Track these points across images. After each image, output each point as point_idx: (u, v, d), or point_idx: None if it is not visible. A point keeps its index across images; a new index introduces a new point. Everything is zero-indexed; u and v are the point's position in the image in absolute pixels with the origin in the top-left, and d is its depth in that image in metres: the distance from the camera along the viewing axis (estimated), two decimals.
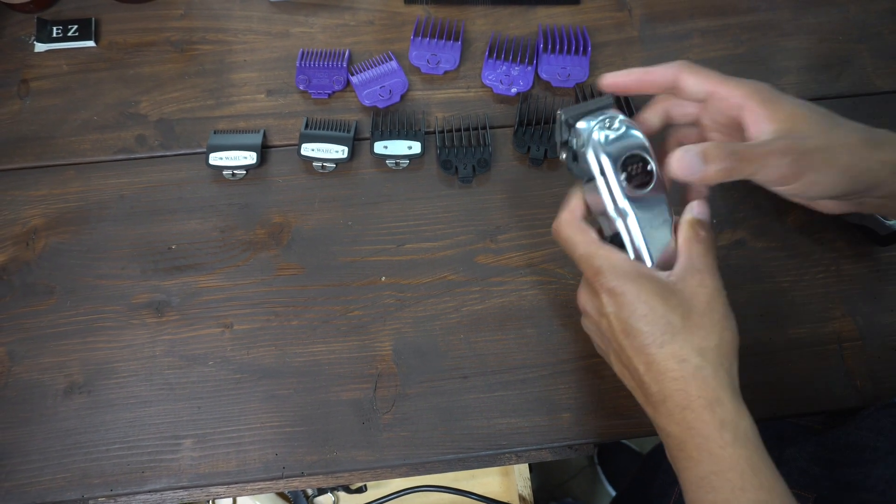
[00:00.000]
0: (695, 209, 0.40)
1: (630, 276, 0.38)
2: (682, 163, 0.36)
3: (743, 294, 0.52)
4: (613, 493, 1.20)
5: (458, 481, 0.54)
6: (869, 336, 0.51)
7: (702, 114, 0.41)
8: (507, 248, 0.54)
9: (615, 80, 0.41)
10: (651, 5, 0.62)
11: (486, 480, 0.66)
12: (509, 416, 0.49)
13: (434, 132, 0.57)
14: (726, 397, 0.36)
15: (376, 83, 0.58)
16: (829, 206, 0.42)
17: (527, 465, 0.58)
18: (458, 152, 0.55)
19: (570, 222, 0.41)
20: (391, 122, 0.57)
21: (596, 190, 0.40)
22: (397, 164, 0.55)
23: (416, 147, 0.55)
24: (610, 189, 0.39)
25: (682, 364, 0.36)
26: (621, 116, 0.40)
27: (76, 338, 0.51)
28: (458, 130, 0.57)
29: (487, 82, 0.58)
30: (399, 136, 0.56)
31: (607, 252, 0.39)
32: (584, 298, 0.42)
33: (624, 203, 0.39)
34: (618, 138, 0.39)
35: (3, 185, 0.55)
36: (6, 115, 0.58)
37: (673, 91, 0.40)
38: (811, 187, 0.36)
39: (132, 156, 0.57)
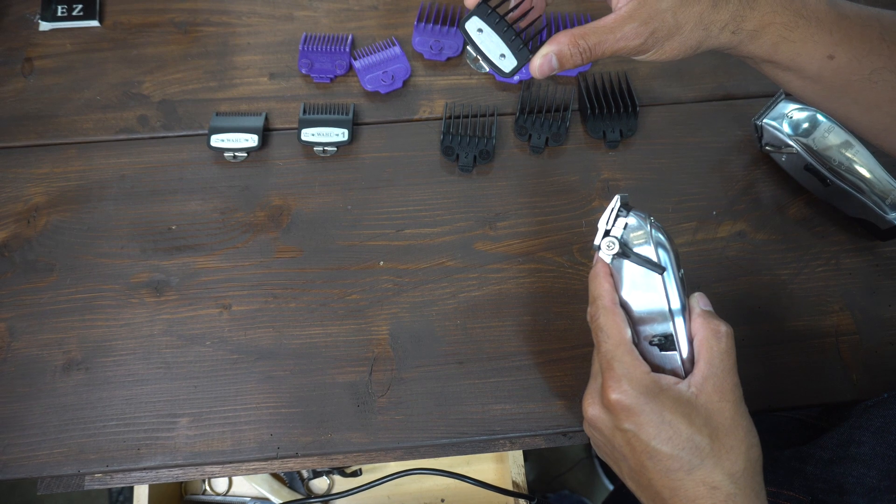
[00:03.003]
0: (700, 301, 0.39)
1: (651, 392, 0.36)
2: (542, 67, 0.38)
3: (742, 286, 0.52)
4: (610, 486, 1.21)
5: (453, 467, 0.55)
6: (866, 330, 0.51)
7: None
8: (505, 235, 0.54)
9: (542, 65, 0.39)
10: None
11: (480, 467, 0.66)
12: (504, 402, 0.49)
13: (441, 118, 0.57)
14: None
15: (379, 68, 0.58)
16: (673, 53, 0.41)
17: (521, 451, 0.59)
18: (462, 140, 0.55)
19: (611, 311, 0.39)
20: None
21: (645, 287, 0.39)
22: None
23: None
24: (672, 286, 0.38)
25: (713, 492, 0.35)
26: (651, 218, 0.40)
27: (75, 315, 0.51)
28: (465, 117, 0.56)
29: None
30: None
31: (632, 360, 0.37)
32: (594, 407, 0.39)
33: (680, 301, 0.38)
34: (668, 238, 0.39)
35: (6, 163, 0.56)
36: (10, 93, 0.58)
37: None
38: (661, 54, 0.38)
39: (134, 136, 0.57)
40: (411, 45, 0.59)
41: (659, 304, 0.38)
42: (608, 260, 0.40)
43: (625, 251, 0.39)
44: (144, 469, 0.48)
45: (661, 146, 0.57)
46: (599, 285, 0.40)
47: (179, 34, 0.60)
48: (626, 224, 0.39)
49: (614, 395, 0.36)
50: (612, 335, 0.38)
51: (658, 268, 0.38)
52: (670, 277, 0.38)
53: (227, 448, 0.48)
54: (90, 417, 0.48)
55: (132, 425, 0.48)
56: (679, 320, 0.38)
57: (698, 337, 0.38)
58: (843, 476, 0.44)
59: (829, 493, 0.43)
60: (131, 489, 1.10)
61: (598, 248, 0.40)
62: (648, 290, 0.39)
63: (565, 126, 0.56)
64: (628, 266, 0.39)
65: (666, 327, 0.38)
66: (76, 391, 0.49)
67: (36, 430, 0.48)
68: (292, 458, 0.49)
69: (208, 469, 0.51)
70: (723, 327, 0.38)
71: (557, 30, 0.59)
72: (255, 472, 0.52)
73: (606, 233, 0.40)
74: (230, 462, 0.48)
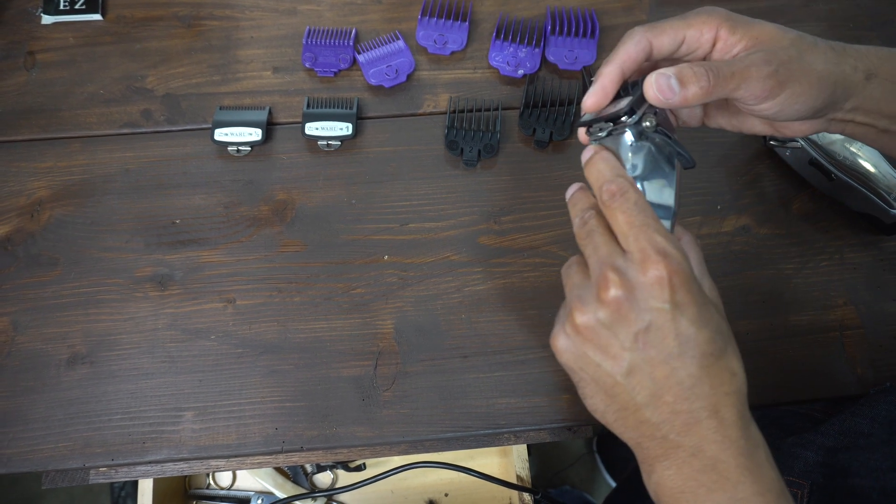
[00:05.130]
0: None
1: (694, 278, 0.34)
2: (659, 86, 0.34)
3: (746, 280, 0.52)
4: (611, 482, 1.21)
5: (457, 461, 0.55)
6: (870, 324, 0.51)
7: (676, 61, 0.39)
8: (510, 229, 0.54)
9: (596, 99, 0.37)
10: None
11: (484, 461, 0.66)
12: (508, 397, 0.49)
13: (445, 113, 0.57)
14: (751, 417, 0.35)
15: (383, 62, 0.58)
16: (800, 128, 0.40)
17: (525, 446, 0.59)
18: (466, 135, 0.55)
19: (635, 186, 0.35)
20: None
21: (652, 183, 0.36)
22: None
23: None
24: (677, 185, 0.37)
25: (733, 378, 0.34)
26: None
27: (79, 309, 0.51)
28: (470, 111, 0.56)
29: (494, 63, 0.58)
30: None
31: (671, 236, 0.34)
32: (618, 291, 0.33)
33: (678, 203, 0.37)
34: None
35: (9, 157, 0.56)
36: (12, 87, 0.58)
37: (648, 60, 0.38)
38: (793, 100, 0.36)
39: (138, 130, 0.57)
40: (415, 39, 0.59)
41: (666, 201, 0.36)
42: (631, 139, 0.36)
43: (657, 132, 0.35)
44: (150, 463, 0.48)
45: None
46: (611, 167, 0.36)
47: (183, 28, 0.60)
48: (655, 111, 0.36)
49: (669, 269, 0.33)
50: (650, 212, 0.34)
51: (689, 160, 0.36)
52: (680, 174, 0.37)
53: (232, 442, 0.48)
54: (95, 411, 0.48)
55: (137, 419, 0.48)
56: (676, 221, 0.37)
57: (683, 241, 0.37)
58: (848, 461, 0.44)
59: (833, 477, 0.44)
60: (134, 484, 1.10)
61: (625, 121, 0.36)
62: (656, 187, 0.36)
63: (570, 120, 0.56)
64: (640, 155, 0.36)
65: (666, 226, 0.36)
66: (81, 385, 0.49)
67: (41, 423, 0.48)
68: (297, 452, 0.49)
69: (213, 463, 0.51)
70: (692, 238, 0.38)
71: (561, 26, 0.59)
72: (260, 465, 0.52)
73: (626, 114, 0.35)
74: (235, 456, 0.48)
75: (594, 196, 0.37)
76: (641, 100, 0.36)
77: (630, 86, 0.37)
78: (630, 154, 0.36)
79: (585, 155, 0.38)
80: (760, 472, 0.33)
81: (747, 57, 0.35)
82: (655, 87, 0.34)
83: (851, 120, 0.40)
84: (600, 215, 0.36)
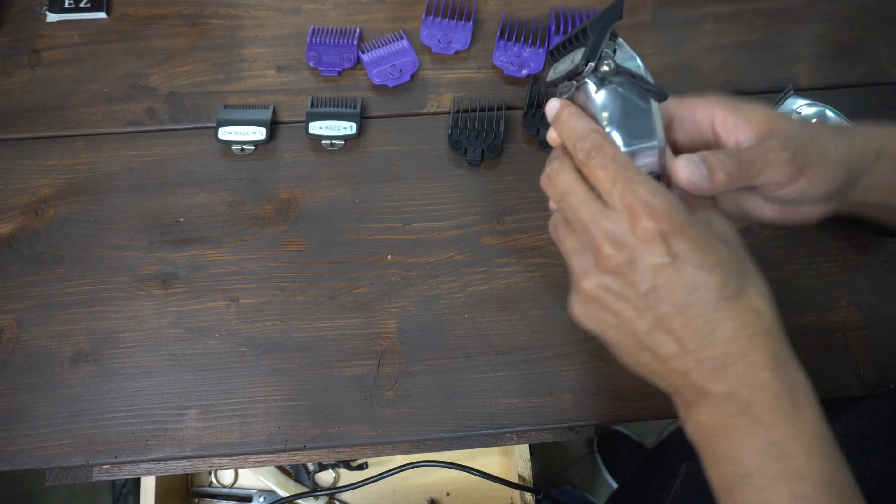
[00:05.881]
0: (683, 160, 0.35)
1: (688, 214, 0.32)
2: (688, 173, 0.34)
3: None
4: (612, 483, 1.21)
5: (459, 460, 0.55)
6: (874, 326, 0.51)
7: (671, 136, 0.39)
8: (513, 229, 0.54)
9: (690, 169, 0.35)
10: None
11: (486, 461, 0.67)
12: (511, 396, 0.49)
13: (448, 112, 0.57)
14: (792, 352, 0.33)
15: (387, 61, 0.58)
16: (812, 212, 0.40)
17: (527, 445, 0.59)
18: (470, 134, 0.55)
19: (610, 141, 0.34)
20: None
21: (629, 121, 0.35)
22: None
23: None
24: (658, 116, 0.36)
25: (758, 318, 0.32)
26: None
27: (83, 307, 0.51)
28: (473, 111, 0.56)
29: (498, 63, 0.58)
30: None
31: (657, 185, 0.33)
32: (621, 248, 0.33)
33: (663, 135, 0.36)
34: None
35: (13, 154, 0.56)
36: (17, 85, 0.58)
37: None
38: (814, 183, 0.36)
39: (142, 128, 0.57)
40: (419, 39, 0.59)
41: (649, 140, 0.35)
42: (595, 88, 0.35)
43: (618, 73, 0.35)
44: (153, 461, 0.48)
45: None
46: (581, 123, 0.35)
47: (187, 27, 0.60)
48: (615, 48, 0.35)
49: (658, 223, 0.32)
50: (630, 163, 0.33)
51: (660, 94, 0.35)
52: (657, 106, 0.36)
53: (235, 440, 0.48)
54: (99, 409, 0.49)
55: (141, 417, 0.48)
56: (665, 153, 0.36)
57: (679, 175, 0.35)
58: (853, 465, 0.44)
59: None
60: (135, 482, 1.10)
61: (584, 71, 0.35)
62: (635, 128, 0.35)
63: None
64: (609, 101, 0.35)
65: (654, 164, 0.36)
66: (84, 383, 0.49)
67: (44, 421, 0.48)
68: (300, 451, 0.49)
69: (216, 461, 0.51)
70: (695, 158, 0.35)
71: (565, 26, 0.59)
72: (263, 464, 0.52)
73: (583, 65, 0.35)
74: (238, 454, 0.48)
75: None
76: (595, 47, 0.35)
77: (580, 34, 0.37)
78: (598, 103, 0.36)
79: (550, 108, 0.37)
80: (797, 413, 0.32)
81: (764, 144, 0.36)
82: (687, 173, 0.34)
83: (864, 201, 0.40)
84: (566, 166, 0.36)
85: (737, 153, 0.35)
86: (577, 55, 0.36)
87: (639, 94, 0.36)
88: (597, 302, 0.35)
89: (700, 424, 0.34)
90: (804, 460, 0.31)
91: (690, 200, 0.36)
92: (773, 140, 0.36)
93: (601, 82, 0.36)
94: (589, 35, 0.35)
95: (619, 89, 0.36)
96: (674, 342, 0.33)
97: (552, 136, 0.38)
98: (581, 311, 0.37)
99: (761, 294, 0.33)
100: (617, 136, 0.35)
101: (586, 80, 0.36)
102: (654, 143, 0.35)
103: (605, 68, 0.35)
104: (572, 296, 0.37)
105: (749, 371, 0.32)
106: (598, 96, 0.36)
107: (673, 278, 0.32)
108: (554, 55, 0.39)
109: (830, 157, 0.36)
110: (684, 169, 0.34)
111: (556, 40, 0.58)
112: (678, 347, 0.33)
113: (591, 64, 0.35)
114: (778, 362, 0.32)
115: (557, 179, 0.36)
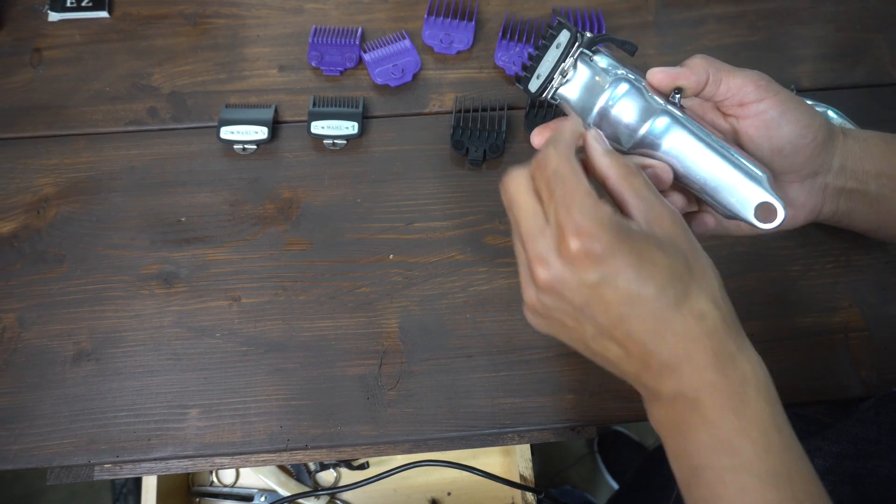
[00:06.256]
0: (595, 135, 0.35)
1: (622, 231, 0.32)
2: (663, 70, 0.37)
3: (751, 282, 0.52)
4: (613, 483, 1.21)
5: (460, 460, 0.55)
6: (875, 327, 0.51)
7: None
8: None
9: (664, 75, 0.38)
10: None
11: (487, 460, 0.67)
12: (513, 396, 0.49)
13: (450, 112, 0.57)
14: (745, 346, 0.33)
15: (389, 61, 0.58)
16: (793, 217, 0.42)
17: (528, 445, 0.59)
18: (472, 134, 0.55)
19: (567, 153, 0.33)
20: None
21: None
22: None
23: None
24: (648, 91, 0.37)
25: (701, 322, 0.32)
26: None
27: (85, 306, 0.51)
28: (475, 111, 0.56)
29: (500, 63, 0.58)
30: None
31: (595, 202, 0.32)
32: (551, 268, 0.33)
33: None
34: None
35: (15, 154, 0.56)
36: (19, 84, 0.58)
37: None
38: (797, 124, 0.38)
39: (143, 127, 0.57)
40: (421, 39, 0.59)
41: (643, 115, 0.37)
42: (579, 71, 0.37)
43: (592, 45, 0.37)
44: (155, 460, 0.48)
45: None
46: (560, 126, 0.35)
47: (189, 26, 0.60)
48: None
49: (584, 243, 0.31)
50: (569, 179, 0.32)
51: (632, 46, 0.38)
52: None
53: (236, 439, 0.48)
54: (100, 408, 0.49)
55: (142, 416, 0.48)
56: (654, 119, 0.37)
57: (609, 174, 0.34)
58: (856, 469, 0.44)
59: (840, 484, 0.44)
60: (134, 481, 1.10)
61: (567, 63, 0.37)
62: (627, 107, 0.37)
63: None
64: (594, 84, 0.37)
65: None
66: (86, 382, 0.49)
67: (46, 420, 0.48)
68: (301, 451, 0.49)
69: (218, 460, 0.51)
70: (633, 159, 0.36)
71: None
72: (265, 463, 0.52)
73: (563, 58, 0.37)
74: (240, 453, 0.48)
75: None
76: (572, 41, 0.37)
77: (543, 38, 0.38)
78: (585, 89, 0.37)
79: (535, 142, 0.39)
80: (744, 409, 0.32)
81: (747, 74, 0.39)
82: (661, 70, 0.37)
83: (843, 187, 0.41)
84: (521, 175, 0.35)
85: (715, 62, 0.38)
86: (552, 51, 0.38)
87: (620, 73, 0.37)
88: (539, 313, 0.35)
89: (658, 419, 0.35)
90: (751, 454, 0.31)
91: (641, 192, 0.34)
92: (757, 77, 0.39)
93: (577, 60, 0.37)
94: (557, 24, 0.37)
95: (598, 66, 0.37)
96: (619, 347, 0.34)
97: (535, 141, 0.39)
98: (531, 319, 0.37)
99: (706, 294, 0.33)
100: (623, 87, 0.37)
101: (570, 69, 0.37)
102: (653, 106, 0.37)
103: (588, 34, 0.37)
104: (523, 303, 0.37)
105: (693, 372, 0.32)
106: (584, 81, 0.38)
107: (607, 294, 0.32)
108: (525, 74, 0.39)
109: (810, 108, 0.39)
110: (659, 69, 0.37)
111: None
112: (623, 352, 0.34)
113: (582, 35, 0.37)
114: (722, 361, 0.32)
115: (509, 186, 0.35)
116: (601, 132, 0.36)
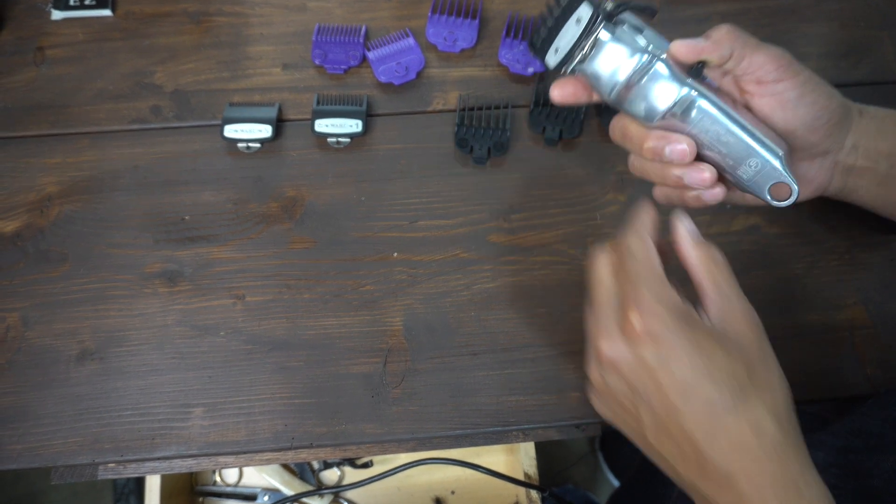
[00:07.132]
0: (687, 224, 0.35)
1: (687, 319, 0.31)
2: (685, 41, 0.35)
3: (755, 280, 0.52)
4: (614, 482, 1.21)
5: (464, 458, 0.55)
6: (881, 324, 0.51)
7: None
8: (519, 227, 0.54)
9: (687, 49, 0.37)
10: None
11: (490, 459, 0.67)
12: (518, 394, 0.49)
13: (454, 110, 0.57)
14: (809, 476, 0.31)
15: (392, 59, 0.58)
16: (808, 174, 0.41)
17: (533, 443, 0.59)
18: (476, 132, 0.55)
19: (642, 233, 0.34)
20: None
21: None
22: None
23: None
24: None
25: (759, 434, 0.31)
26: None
27: (88, 305, 0.51)
28: (480, 109, 0.56)
29: (504, 61, 0.58)
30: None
31: (664, 284, 0.32)
32: (614, 343, 0.33)
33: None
34: None
35: (18, 152, 0.56)
36: (21, 83, 0.58)
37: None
38: (809, 93, 0.37)
39: (147, 126, 0.57)
40: (425, 37, 0.59)
41: (669, 91, 0.36)
42: (609, 36, 0.36)
43: (618, 6, 0.36)
44: (159, 459, 0.48)
45: None
46: (638, 211, 0.35)
47: (192, 24, 0.60)
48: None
49: (645, 321, 0.31)
50: (641, 256, 0.33)
51: (652, 10, 0.37)
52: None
53: (241, 438, 0.48)
54: (104, 407, 0.48)
55: (147, 415, 0.48)
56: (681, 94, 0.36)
57: (694, 264, 0.34)
58: (860, 463, 0.44)
59: (845, 478, 0.44)
60: (136, 480, 1.10)
61: (600, 25, 0.36)
62: (653, 86, 0.36)
63: (580, 119, 0.56)
64: (627, 57, 0.36)
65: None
66: (90, 381, 0.49)
67: (50, 419, 0.48)
68: (306, 449, 0.49)
69: (222, 459, 0.51)
70: (718, 251, 0.35)
71: None
72: (269, 462, 0.52)
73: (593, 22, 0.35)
74: (244, 452, 0.48)
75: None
76: (594, 17, 0.36)
77: (557, 19, 0.37)
78: (607, 64, 0.36)
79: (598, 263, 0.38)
80: None
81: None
82: (683, 44, 0.36)
83: (853, 165, 0.41)
84: (604, 256, 0.37)
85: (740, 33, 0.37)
86: (571, 24, 0.37)
87: (645, 45, 0.36)
88: (601, 392, 0.36)
89: None
90: None
91: (721, 287, 0.34)
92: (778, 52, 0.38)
93: (613, 26, 0.36)
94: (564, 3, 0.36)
95: (625, 34, 0.36)
96: (674, 445, 0.32)
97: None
98: (594, 401, 0.37)
99: (767, 407, 0.31)
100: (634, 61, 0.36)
101: (598, 36, 0.36)
102: (679, 90, 0.36)
103: (609, 3, 0.36)
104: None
105: (754, 492, 0.30)
106: (614, 43, 0.36)
107: (662, 379, 0.31)
108: (542, 40, 0.38)
109: (827, 89, 0.39)
110: (683, 42, 0.36)
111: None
112: (678, 451, 0.32)
113: (603, 10, 0.36)
114: (785, 483, 0.31)
115: (593, 263, 0.37)
116: (690, 219, 0.36)
